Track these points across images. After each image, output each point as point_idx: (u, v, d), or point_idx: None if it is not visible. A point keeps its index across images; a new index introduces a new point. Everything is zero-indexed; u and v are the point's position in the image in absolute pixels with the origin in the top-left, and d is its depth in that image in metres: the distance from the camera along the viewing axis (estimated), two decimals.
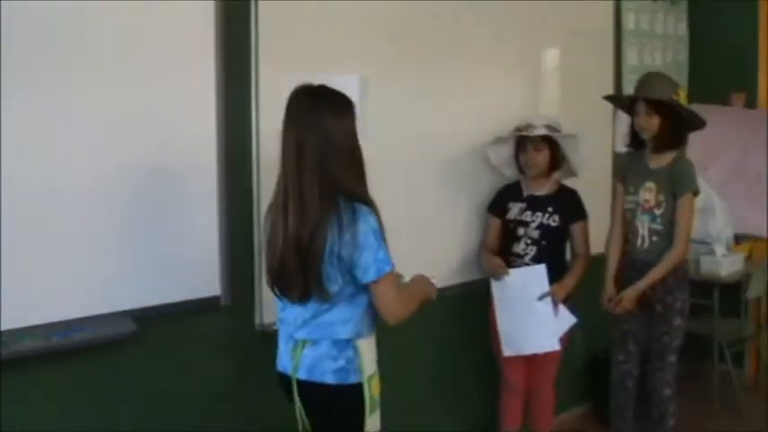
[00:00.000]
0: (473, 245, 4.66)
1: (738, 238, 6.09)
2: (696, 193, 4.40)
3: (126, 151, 3.34)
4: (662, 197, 4.37)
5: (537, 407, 4.69)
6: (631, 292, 4.34)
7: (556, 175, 4.57)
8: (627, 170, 4.57)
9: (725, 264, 5.76)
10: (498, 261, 4.40)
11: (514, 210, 4.54)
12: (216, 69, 3.59)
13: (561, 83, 5.28)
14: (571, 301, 4.48)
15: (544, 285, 4.30)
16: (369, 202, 2.93)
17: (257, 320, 3.84)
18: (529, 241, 4.46)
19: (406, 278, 3.24)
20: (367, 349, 3.04)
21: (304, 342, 3.02)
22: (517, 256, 4.47)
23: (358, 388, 3.01)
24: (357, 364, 3.01)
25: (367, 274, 2.90)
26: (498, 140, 4.54)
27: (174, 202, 3.51)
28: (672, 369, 4.45)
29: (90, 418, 3.38)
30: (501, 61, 4.86)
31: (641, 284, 4.34)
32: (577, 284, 4.49)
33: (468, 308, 4.69)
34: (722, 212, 5.85)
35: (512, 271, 4.37)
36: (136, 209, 3.39)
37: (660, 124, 4.30)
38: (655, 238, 4.39)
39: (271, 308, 3.78)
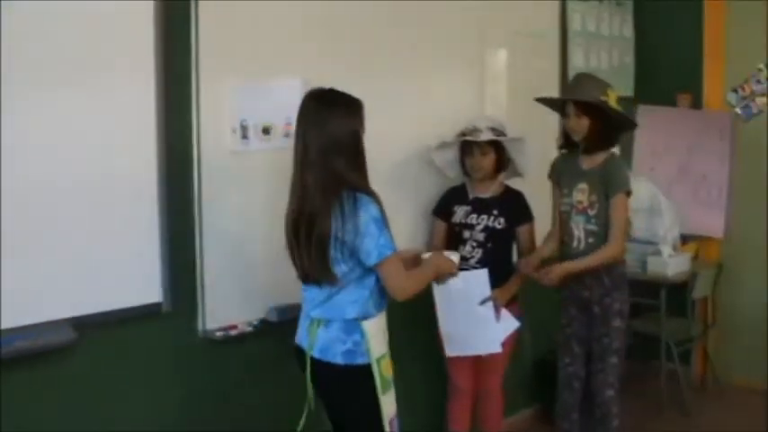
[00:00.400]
0: (420, 249, 4.62)
1: (685, 239, 6.13)
2: (629, 192, 4.41)
3: (62, 153, 3.25)
4: (594, 198, 4.37)
5: (485, 410, 4.68)
6: (559, 269, 4.33)
7: (501, 177, 4.56)
8: (560, 172, 4.57)
9: (671, 264, 5.79)
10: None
11: (460, 213, 4.53)
12: (156, 71, 3.52)
13: (507, 84, 5.28)
14: (518, 304, 4.48)
15: (486, 290, 4.27)
16: (371, 193, 3.25)
17: (200, 327, 3.78)
18: (474, 244, 4.45)
19: (426, 256, 3.77)
20: (375, 330, 3.35)
21: (318, 321, 3.35)
22: (463, 259, 4.42)
23: (367, 369, 3.30)
24: (364, 346, 3.30)
25: (370, 258, 3.22)
26: (443, 145, 4.52)
27: (113, 206, 3.43)
28: (614, 370, 4.45)
29: (29, 430, 3.29)
30: (446, 63, 4.85)
31: (572, 265, 4.35)
32: (522, 286, 4.47)
33: (414, 310, 4.64)
34: (669, 213, 5.88)
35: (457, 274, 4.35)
36: (73, 213, 3.31)
37: (590, 126, 4.30)
38: (591, 240, 4.39)
39: (215, 314, 3.79)
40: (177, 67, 3.61)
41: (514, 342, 4.53)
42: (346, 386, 3.35)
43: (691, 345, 6.21)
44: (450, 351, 4.44)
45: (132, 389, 3.59)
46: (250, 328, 3.91)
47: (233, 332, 3.84)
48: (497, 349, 4.34)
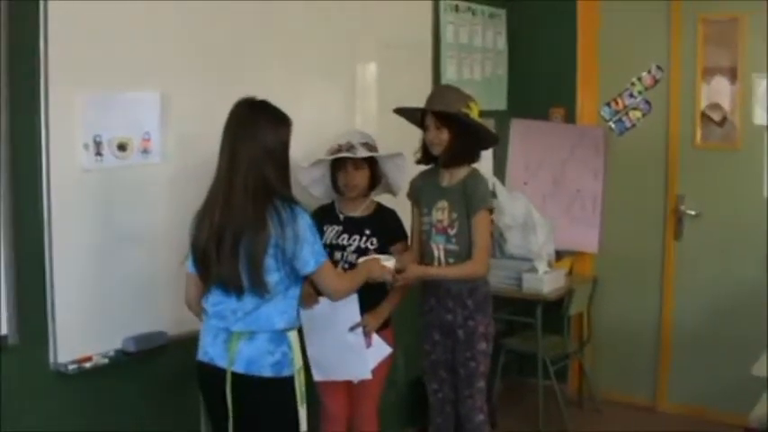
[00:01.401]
0: None
1: (559, 254, 6.11)
2: (491, 210, 4.30)
3: None
4: (455, 216, 4.24)
5: None
6: (417, 269, 4.19)
7: (372, 194, 4.39)
8: (420, 190, 4.41)
9: (547, 281, 5.73)
10: (308, 290, 4.17)
11: (330, 233, 4.32)
12: None
13: (379, 97, 5.15)
14: (392, 329, 4.32)
15: (355, 315, 4.09)
16: (299, 203, 3.30)
17: (51, 359, 3.50)
18: (346, 266, 4.24)
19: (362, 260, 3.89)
20: (296, 341, 3.37)
21: (240, 335, 3.28)
22: None
23: (291, 381, 3.32)
24: (290, 357, 3.32)
25: (307, 266, 3.30)
26: (317, 163, 4.31)
27: None
28: (481, 394, 4.33)
29: None
30: (316, 76, 4.69)
31: (429, 270, 4.25)
32: (395, 309, 4.33)
33: None
34: (543, 229, 5.82)
35: (321, 299, 4.14)
36: None
37: (450, 138, 4.16)
38: (451, 260, 4.25)
39: (67, 345, 3.52)
40: (21, 72, 3.32)
41: (388, 366, 4.37)
42: (272, 399, 3.32)
43: (566, 361, 6.17)
44: (317, 375, 4.24)
45: None
46: (105, 360, 3.64)
47: (87, 364, 3.57)
48: (367, 376, 4.17)
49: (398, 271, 4.02)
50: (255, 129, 3.26)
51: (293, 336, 3.36)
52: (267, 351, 3.28)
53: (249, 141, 3.24)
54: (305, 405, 3.38)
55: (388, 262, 3.90)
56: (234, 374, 3.27)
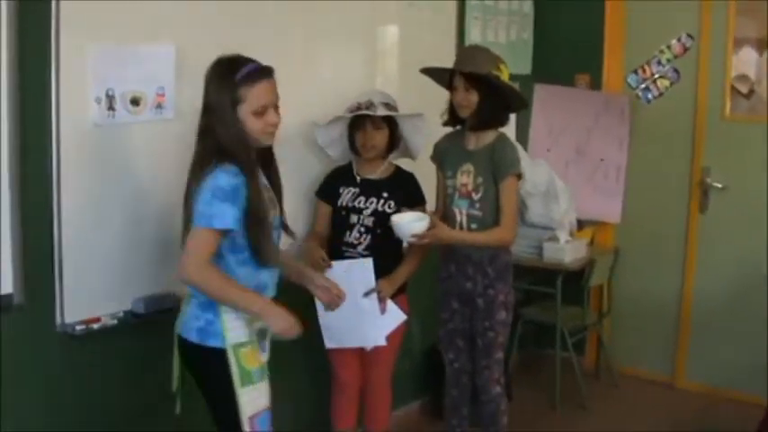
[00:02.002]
0: (301, 234, 4.33)
1: (581, 224, 5.98)
2: (519, 175, 4.16)
3: None
4: (480, 180, 4.12)
5: (371, 405, 4.43)
6: (445, 231, 4.02)
7: (390, 157, 4.29)
8: (444, 153, 4.28)
9: (568, 250, 5.62)
10: (320, 254, 4.07)
11: (346, 195, 4.22)
12: (7, 25, 3.09)
13: (400, 59, 5.02)
14: (407, 295, 4.24)
15: (370, 281, 4.01)
16: (240, 163, 3.04)
17: (58, 320, 3.40)
18: (363, 230, 4.15)
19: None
20: (229, 315, 3.13)
21: (187, 295, 3.25)
22: (350, 245, 4.16)
23: (220, 354, 3.12)
24: (217, 327, 3.12)
25: (192, 224, 3.05)
26: (336, 120, 4.20)
27: None
28: (499, 366, 4.24)
29: None
30: (336, 35, 4.56)
31: (457, 234, 4.12)
32: (412, 275, 4.24)
33: (295, 301, 4.35)
34: (565, 197, 5.70)
35: (335, 263, 4.05)
36: None
37: (479, 101, 4.04)
38: (474, 225, 4.13)
39: (74, 307, 3.41)
40: (31, 23, 3.19)
41: (402, 334, 4.30)
42: (199, 367, 3.21)
43: (585, 333, 6.09)
44: (330, 342, 4.17)
45: None
46: (114, 321, 3.55)
47: (95, 326, 3.48)
48: (382, 342, 4.12)
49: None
50: (206, 88, 3.14)
51: (225, 307, 3.12)
52: (194, 315, 3.17)
53: (204, 101, 3.14)
54: (255, 386, 3.19)
55: (422, 221, 3.81)
56: (177, 336, 3.24)
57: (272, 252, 3.22)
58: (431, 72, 4.23)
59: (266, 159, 3.30)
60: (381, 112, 4.10)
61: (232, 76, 3.08)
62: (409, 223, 3.89)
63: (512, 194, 4.11)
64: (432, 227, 3.89)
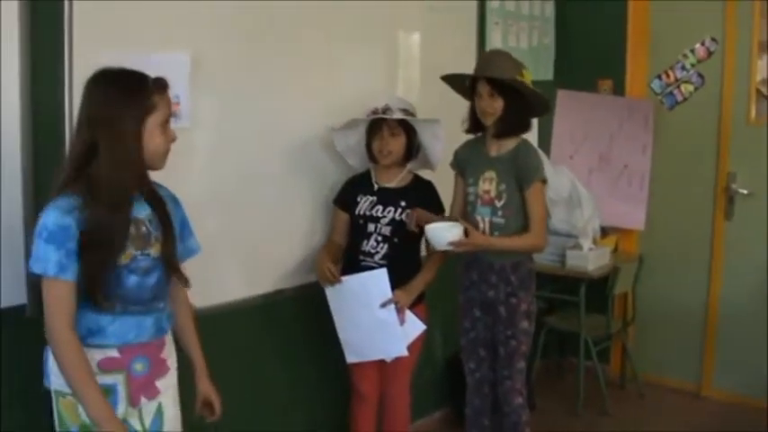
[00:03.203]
0: (319, 242, 4.30)
1: (604, 231, 5.94)
2: (544, 181, 4.10)
3: None
4: (503, 187, 4.06)
5: (391, 416, 4.36)
6: (480, 237, 3.97)
7: (409, 165, 4.24)
8: (465, 160, 4.23)
9: (592, 258, 5.56)
10: (328, 266, 4.02)
11: (364, 204, 4.17)
12: (20, 39, 3.08)
13: (421, 64, 4.97)
14: (425, 304, 4.20)
15: (386, 291, 3.96)
16: (58, 198, 2.64)
17: None
18: (380, 239, 4.11)
19: None
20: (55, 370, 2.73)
21: None
22: (367, 254, 4.11)
23: (49, 393, 2.81)
24: (46, 366, 2.80)
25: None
26: (352, 123, 4.15)
27: None
28: (521, 375, 4.18)
29: None
30: (356, 40, 4.51)
31: (490, 239, 4.03)
32: (429, 285, 4.19)
33: (314, 310, 4.33)
34: (588, 204, 5.65)
35: (347, 278, 4.02)
36: None
37: (504, 107, 3.98)
38: (497, 233, 4.07)
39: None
40: (46, 35, 3.17)
41: (422, 344, 4.25)
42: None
43: (609, 342, 6.02)
44: (351, 357, 4.14)
45: None
46: None
47: None
48: (403, 353, 4.06)
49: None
50: (93, 98, 2.73)
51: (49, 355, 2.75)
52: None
53: (86, 113, 2.72)
54: None
55: (455, 229, 3.77)
56: None
57: (114, 294, 2.74)
58: (450, 80, 4.17)
59: (150, 189, 2.87)
60: (397, 115, 4.06)
61: (142, 82, 2.75)
62: (445, 230, 3.84)
63: (539, 200, 4.05)
64: (466, 234, 3.86)
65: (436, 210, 4.17)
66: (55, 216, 2.59)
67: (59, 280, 2.60)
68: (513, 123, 4.03)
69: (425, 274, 4.15)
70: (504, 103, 3.97)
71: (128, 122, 2.66)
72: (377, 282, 3.94)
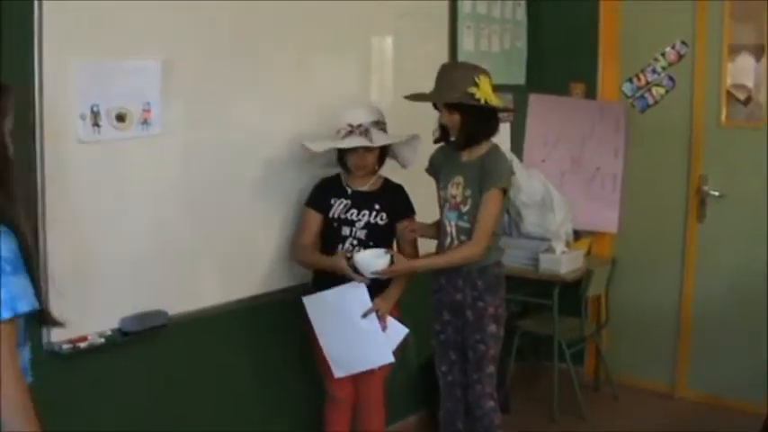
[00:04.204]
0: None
1: (577, 234, 5.95)
2: (505, 190, 4.10)
3: None
4: (469, 192, 4.07)
5: (365, 420, 4.37)
6: (404, 264, 4.00)
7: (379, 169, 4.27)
8: (439, 164, 4.26)
9: (565, 261, 5.56)
10: (344, 263, 4.00)
11: (338, 207, 4.16)
12: None
13: (395, 70, 4.98)
14: (399, 308, 4.21)
15: (366, 302, 3.96)
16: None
17: (44, 339, 3.35)
18: (355, 242, 4.10)
19: None
20: None
21: None
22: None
23: None
24: None
25: None
26: (329, 147, 4.13)
27: None
28: (491, 379, 4.18)
29: None
30: (329, 47, 4.51)
31: (416, 263, 4.12)
32: (404, 290, 4.20)
33: (287, 315, 4.32)
34: (561, 207, 5.66)
35: (325, 293, 4.03)
36: None
37: (461, 120, 4.01)
38: (463, 237, 4.09)
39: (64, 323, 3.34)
40: (14, 43, 3.14)
41: (398, 347, 4.22)
42: None
43: (583, 344, 6.02)
44: (339, 372, 4.13)
45: None
46: (102, 340, 3.50)
47: (82, 345, 3.43)
48: (390, 359, 4.08)
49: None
50: None
51: None
52: None
53: None
54: None
55: (380, 260, 3.82)
56: None
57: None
58: (413, 98, 4.17)
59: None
60: (379, 141, 4.06)
61: None
62: (371, 258, 3.91)
63: (491, 207, 4.03)
64: (392, 263, 3.91)
65: (408, 212, 4.23)
66: (7, 242, 2.09)
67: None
68: (473, 134, 4.06)
69: (399, 281, 4.15)
70: (461, 116, 3.99)
71: None
72: (355, 293, 3.95)
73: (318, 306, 4.01)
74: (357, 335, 4.00)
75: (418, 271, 4.12)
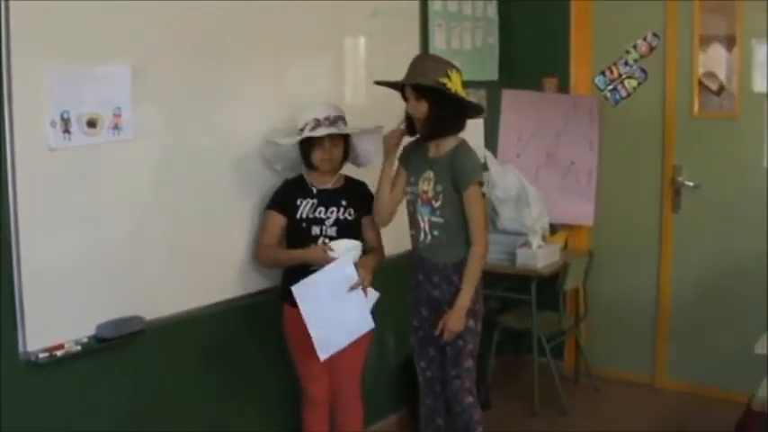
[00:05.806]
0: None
1: (553, 228, 5.97)
2: (481, 183, 4.12)
3: None
4: (440, 188, 4.08)
5: (343, 419, 4.36)
6: (453, 316, 4.03)
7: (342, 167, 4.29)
8: (409, 159, 4.26)
9: (541, 256, 5.58)
10: (320, 245, 4.07)
11: (305, 207, 4.16)
12: None
13: (367, 69, 4.98)
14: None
15: (353, 276, 3.99)
16: None
17: (20, 348, 3.32)
18: (327, 240, 4.10)
19: None
20: None
21: None
22: None
23: None
24: None
25: None
26: (301, 137, 4.14)
27: None
28: (470, 375, 4.19)
29: None
30: (302, 48, 4.51)
31: (461, 301, 4.04)
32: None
33: (263, 318, 4.32)
34: (536, 202, 5.69)
35: (313, 277, 3.99)
36: None
37: (429, 110, 4.01)
38: (436, 232, 4.11)
39: (36, 332, 3.34)
40: None
41: (369, 343, 4.28)
42: None
43: (562, 338, 6.03)
44: (324, 354, 4.06)
45: None
46: (78, 348, 3.47)
47: (59, 353, 3.40)
48: (371, 325, 4.07)
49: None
50: None
51: None
52: None
53: None
54: None
55: (357, 249, 3.97)
56: None
57: None
58: (383, 84, 4.20)
59: None
60: (347, 130, 4.11)
61: None
62: (348, 247, 4.03)
63: (477, 204, 4.06)
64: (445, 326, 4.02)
65: (371, 208, 4.27)
66: None
67: None
68: (439, 126, 4.05)
69: (376, 254, 4.24)
70: (429, 105, 3.99)
71: None
72: (345, 268, 3.98)
73: (307, 291, 3.97)
74: (343, 309, 4.00)
75: (465, 305, 4.07)
